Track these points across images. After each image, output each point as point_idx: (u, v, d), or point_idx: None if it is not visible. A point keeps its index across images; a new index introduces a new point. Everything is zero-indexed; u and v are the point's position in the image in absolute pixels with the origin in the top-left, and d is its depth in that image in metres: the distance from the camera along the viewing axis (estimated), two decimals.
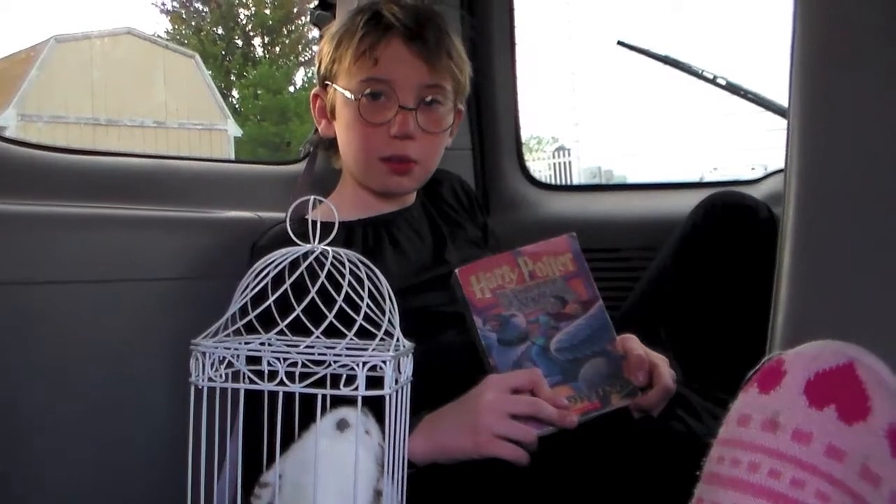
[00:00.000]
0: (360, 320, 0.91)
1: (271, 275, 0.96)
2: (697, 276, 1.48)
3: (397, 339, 0.93)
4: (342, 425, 0.92)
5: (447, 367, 1.17)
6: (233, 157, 14.89)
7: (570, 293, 1.22)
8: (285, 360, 0.87)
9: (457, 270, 1.20)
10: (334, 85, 1.48)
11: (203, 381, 0.90)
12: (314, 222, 0.95)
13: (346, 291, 0.92)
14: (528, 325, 1.19)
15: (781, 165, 0.96)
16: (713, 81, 1.99)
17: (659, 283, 1.54)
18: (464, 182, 1.72)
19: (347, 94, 1.45)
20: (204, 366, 0.90)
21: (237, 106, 19.89)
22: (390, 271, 1.37)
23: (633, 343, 1.23)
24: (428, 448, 1.14)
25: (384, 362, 0.88)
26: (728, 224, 1.48)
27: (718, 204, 1.51)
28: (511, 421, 1.12)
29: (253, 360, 0.89)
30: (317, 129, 1.80)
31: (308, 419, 0.92)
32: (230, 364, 0.90)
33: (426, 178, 1.54)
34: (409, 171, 1.48)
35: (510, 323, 1.19)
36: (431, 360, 1.12)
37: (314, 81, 1.61)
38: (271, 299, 0.93)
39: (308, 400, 0.89)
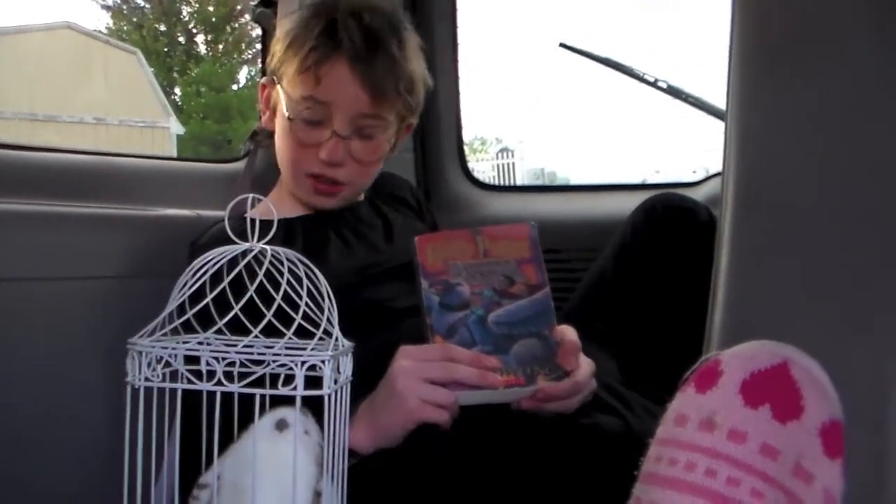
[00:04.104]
0: (298, 319, 0.90)
1: (209, 273, 0.95)
2: (637, 277, 1.49)
3: (336, 339, 0.92)
4: (281, 425, 0.91)
5: (378, 363, 1.17)
6: (175, 154, 14.73)
7: (520, 276, 1.24)
8: (224, 359, 0.87)
9: (416, 238, 1.22)
10: (279, 86, 1.45)
11: (140, 380, 0.89)
12: (253, 220, 0.94)
13: (285, 290, 0.91)
14: (471, 296, 1.21)
15: (720, 168, 0.97)
16: (654, 84, 2.01)
17: (599, 284, 1.55)
18: (413, 187, 1.72)
19: (285, 108, 1.42)
20: (141, 365, 0.89)
21: (180, 103, 19.71)
22: (336, 267, 1.36)
23: (570, 332, 1.23)
24: (369, 434, 1.13)
25: (323, 362, 0.87)
26: (668, 226, 1.49)
27: (658, 206, 1.51)
28: (429, 385, 1.11)
29: (191, 359, 0.88)
30: (256, 129, 1.79)
31: (247, 419, 0.92)
32: (168, 364, 0.89)
33: (355, 197, 1.52)
34: (336, 193, 1.46)
35: (454, 290, 1.21)
36: (381, 356, 1.13)
37: (257, 79, 1.60)
38: (209, 297, 0.93)
39: (247, 400, 0.88)
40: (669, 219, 1.49)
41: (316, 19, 1.42)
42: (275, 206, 1.03)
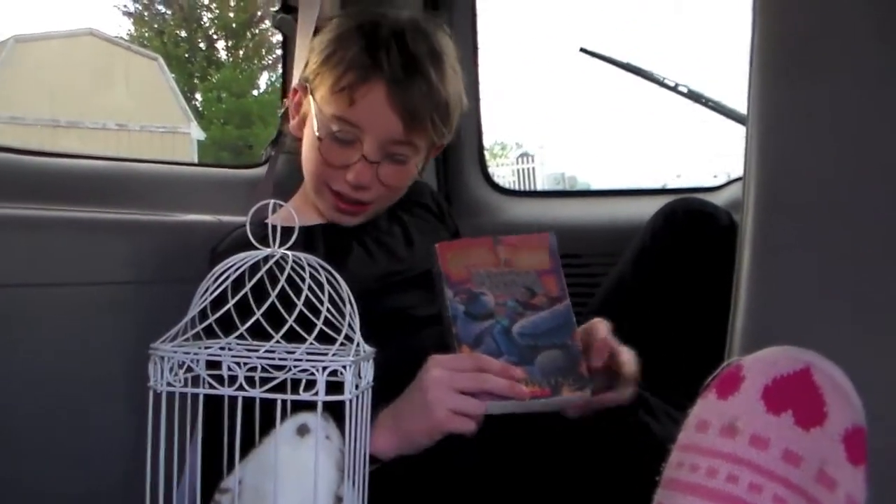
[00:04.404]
0: (320, 324, 0.90)
1: (231, 278, 0.95)
2: (657, 282, 1.49)
3: (357, 344, 0.92)
4: (302, 430, 0.91)
5: (418, 369, 1.17)
6: (196, 160, 14.80)
7: (541, 287, 1.24)
8: (245, 364, 0.87)
9: (436, 245, 1.22)
10: (311, 97, 1.41)
11: (162, 385, 0.89)
12: (274, 226, 0.95)
13: (307, 295, 0.92)
14: (495, 305, 1.21)
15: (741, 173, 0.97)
16: (675, 89, 2.01)
17: (619, 289, 1.55)
18: (434, 192, 1.71)
19: (315, 125, 1.39)
20: (163, 370, 0.89)
21: (200, 109, 19.80)
22: (356, 275, 1.36)
23: (600, 326, 1.24)
24: (392, 440, 1.13)
25: (345, 367, 0.87)
26: (688, 231, 1.48)
27: (679, 210, 1.51)
28: (460, 395, 1.11)
29: (212, 364, 0.89)
30: (278, 134, 1.79)
31: (268, 424, 0.92)
32: (189, 369, 0.90)
33: (378, 214, 1.49)
34: (359, 213, 1.44)
35: (479, 299, 1.21)
36: (401, 363, 1.12)
37: (277, 85, 1.59)
38: (231, 303, 0.93)
39: (268, 405, 0.88)
40: (690, 223, 1.49)
41: (356, 35, 1.38)
42: (296, 213, 1.03)
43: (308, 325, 0.90)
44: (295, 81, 1.54)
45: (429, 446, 1.13)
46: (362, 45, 1.35)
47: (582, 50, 2.12)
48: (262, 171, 1.80)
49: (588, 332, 1.23)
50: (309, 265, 0.95)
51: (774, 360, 0.75)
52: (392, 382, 1.12)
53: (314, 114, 1.40)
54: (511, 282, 1.24)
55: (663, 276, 1.47)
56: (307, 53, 1.49)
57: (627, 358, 1.22)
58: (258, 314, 0.91)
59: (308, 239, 1.39)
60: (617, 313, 1.33)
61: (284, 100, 1.67)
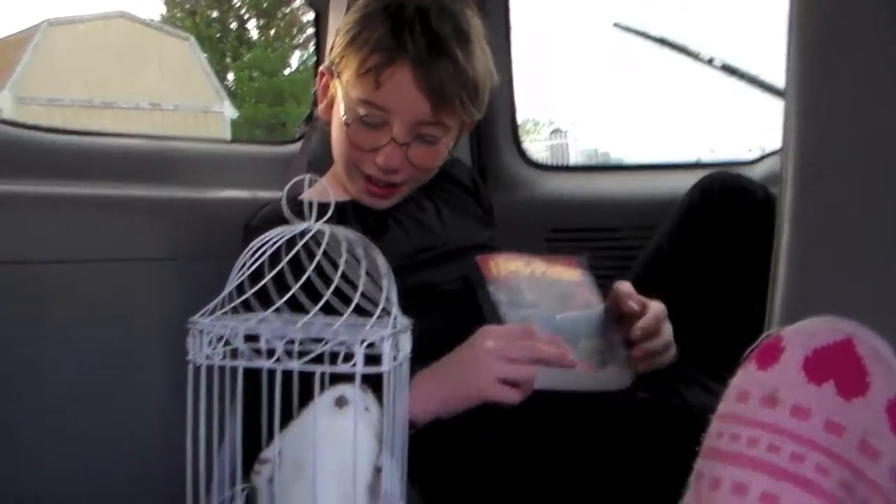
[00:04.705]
0: (356, 298, 0.90)
1: (268, 252, 0.96)
2: (694, 255, 1.48)
3: (395, 317, 0.93)
4: (341, 402, 0.92)
5: (449, 343, 1.17)
6: (229, 139, 14.87)
7: (576, 294, 1.29)
8: (283, 337, 0.87)
9: (476, 258, 1.25)
10: (337, 80, 1.41)
11: (201, 358, 0.90)
12: (310, 201, 0.95)
13: (343, 270, 0.92)
14: (537, 298, 1.24)
15: (777, 146, 0.96)
16: (709, 63, 1.98)
17: (655, 262, 1.54)
18: (470, 170, 1.71)
19: (342, 109, 1.39)
20: (202, 344, 0.90)
21: (233, 88, 19.87)
22: (391, 250, 1.36)
23: (621, 286, 1.28)
24: (430, 404, 1.14)
25: (382, 339, 0.87)
26: (725, 205, 1.48)
27: (716, 185, 1.50)
28: (510, 364, 1.13)
29: (251, 338, 0.89)
30: (312, 111, 1.79)
31: (306, 397, 0.92)
32: (228, 342, 0.90)
33: (409, 195, 1.49)
34: (390, 196, 1.44)
35: (521, 293, 1.24)
36: (434, 337, 1.12)
37: (308, 64, 1.59)
38: (268, 277, 0.93)
39: (306, 378, 0.89)
40: (726, 197, 1.48)
41: (381, 16, 1.36)
42: (333, 191, 1.04)
43: (345, 299, 0.91)
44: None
45: (462, 412, 1.14)
46: (387, 27, 1.34)
47: (615, 25, 2.11)
48: (295, 147, 1.81)
49: (615, 297, 1.27)
50: (346, 238, 0.95)
51: (815, 330, 0.75)
52: (423, 356, 1.13)
53: (341, 97, 1.40)
54: (548, 286, 1.27)
55: (700, 249, 1.47)
56: (334, 34, 1.48)
57: (658, 308, 1.26)
58: (295, 288, 0.91)
59: (342, 215, 1.39)
60: (654, 286, 1.33)
61: (317, 91, 1.67)
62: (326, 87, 1.47)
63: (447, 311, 1.31)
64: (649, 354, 1.25)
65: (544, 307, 1.23)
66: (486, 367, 1.12)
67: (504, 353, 1.13)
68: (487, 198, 1.66)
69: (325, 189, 1.02)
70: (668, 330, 1.28)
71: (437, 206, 1.53)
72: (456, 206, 1.56)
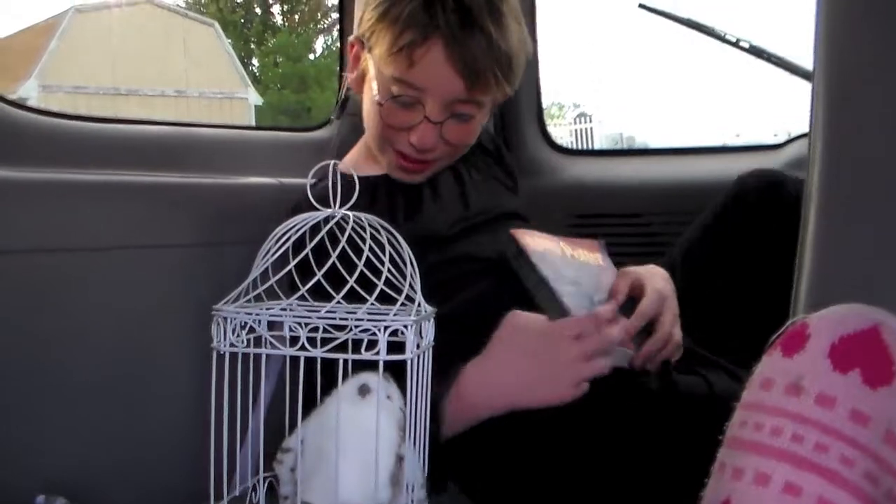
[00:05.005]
0: (380, 285, 0.90)
1: (292, 239, 0.96)
2: (727, 251, 1.46)
3: (419, 304, 0.93)
4: (364, 390, 0.92)
5: (496, 311, 1.18)
6: (254, 125, 14.90)
7: (602, 276, 1.31)
8: (307, 324, 0.87)
9: (511, 231, 1.28)
10: (368, 53, 1.38)
11: (225, 346, 0.90)
12: (335, 186, 0.95)
13: (367, 256, 0.92)
14: (576, 277, 1.26)
15: (804, 130, 0.95)
16: (736, 45, 1.97)
17: (689, 256, 1.52)
18: (492, 135, 1.69)
19: (374, 87, 1.37)
20: (226, 331, 0.90)
21: (257, 74, 19.90)
22: (430, 221, 1.37)
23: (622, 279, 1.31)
24: (499, 400, 1.15)
25: (406, 327, 0.88)
26: (760, 204, 1.45)
27: (750, 183, 1.48)
28: (589, 364, 1.14)
29: (274, 325, 0.90)
30: (344, 99, 1.79)
31: (330, 384, 0.93)
32: (252, 329, 0.91)
33: (441, 169, 1.48)
34: (422, 171, 1.43)
35: (560, 270, 1.25)
36: (477, 306, 1.17)
37: (333, 49, 1.58)
38: (292, 264, 0.94)
39: (330, 365, 0.89)
40: (761, 196, 1.46)
41: None
42: (363, 164, 1.03)
43: (369, 286, 0.91)
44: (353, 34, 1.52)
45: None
46: (418, 3, 1.31)
47: (641, 6, 2.09)
48: (322, 133, 1.81)
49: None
50: (370, 225, 0.95)
51: (841, 318, 0.74)
52: (468, 323, 1.15)
53: (373, 74, 1.38)
54: (580, 266, 1.29)
55: (733, 245, 1.45)
56: (363, 5, 1.46)
57: (668, 318, 1.27)
58: (319, 275, 0.91)
59: (372, 191, 1.39)
60: (686, 279, 1.33)
61: (343, 74, 1.65)
62: (357, 58, 1.44)
63: (490, 280, 1.32)
64: (651, 354, 1.25)
65: (584, 285, 1.24)
66: (568, 375, 1.13)
67: (583, 350, 1.13)
68: (509, 162, 1.65)
69: (351, 173, 1.02)
70: (668, 318, 1.27)
71: (468, 173, 1.52)
72: (483, 172, 1.55)
